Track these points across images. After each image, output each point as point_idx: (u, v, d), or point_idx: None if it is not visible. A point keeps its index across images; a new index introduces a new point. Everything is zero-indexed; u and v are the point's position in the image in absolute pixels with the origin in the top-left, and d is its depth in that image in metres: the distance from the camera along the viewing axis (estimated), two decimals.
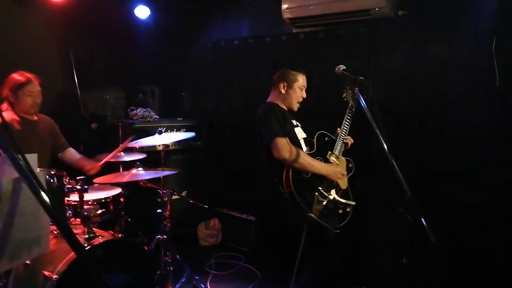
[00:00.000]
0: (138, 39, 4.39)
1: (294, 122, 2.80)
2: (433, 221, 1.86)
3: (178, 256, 3.23)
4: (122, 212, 3.53)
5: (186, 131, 4.18)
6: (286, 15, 3.47)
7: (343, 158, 2.74)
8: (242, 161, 4.19)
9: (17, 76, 2.91)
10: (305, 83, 2.80)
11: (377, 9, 2.96)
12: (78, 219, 2.47)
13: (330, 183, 2.60)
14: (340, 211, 2.56)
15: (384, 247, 3.04)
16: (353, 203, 2.63)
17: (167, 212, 2.94)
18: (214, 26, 4.40)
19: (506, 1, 2.73)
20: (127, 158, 3.41)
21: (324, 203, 2.48)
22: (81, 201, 2.38)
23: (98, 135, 4.09)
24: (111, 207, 2.93)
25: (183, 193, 4.22)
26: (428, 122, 3.02)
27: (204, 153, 4.39)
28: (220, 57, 4.27)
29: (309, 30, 3.58)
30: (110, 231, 2.56)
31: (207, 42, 4.37)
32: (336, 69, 2.41)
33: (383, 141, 2.08)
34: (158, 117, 4.06)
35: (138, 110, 3.92)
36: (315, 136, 2.74)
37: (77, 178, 2.38)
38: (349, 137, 2.81)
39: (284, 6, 3.46)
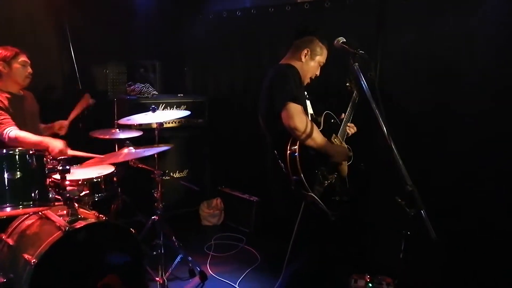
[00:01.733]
0: (137, 10, 4.20)
1: (306, 94, 2.57)
2: (438, 210, 1.67)
3: (174, 237, 3.16)
4: (119, 191, 3.46)
5: (186, 108, 4.04)
6: None
7: (345, 145, 2.54)
8: (245, 140, 4.04)
9: (4, 50, 2.80)
10: (324, 60, 2.54)
11: None
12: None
13: (333, 166, 2.40)
14: (338, 198, 2.38)
15: (384, 238, 2.86)
16: (348, 195, 2.44)
17: (158, 193, 2.83)
18: None
19: None
20: (123, 135, 3.30)
21: (326, 185, 2.30)
22: (63, 182, 2.28)
23: (97, 111, 3.97)
24: (102, 186, 2.83)
25: (184, 172, 4.12)
26: (444, 104, 2.76)
27: (206, 131, 4.25)
28: (222, 30, 4.06)
29: None
30: (96, 213, 2.47)
31: (209, 13, 4.14)
32: (335, 42, 2.17)
33: (382, 123, 1.88)
34: (156, 93, 3.92)
35: (136, 86, 3.78)
36: (323, 115, 2.52)
37: (58, 158, 2.27)
38: (352, 124, 2.62)
39: None
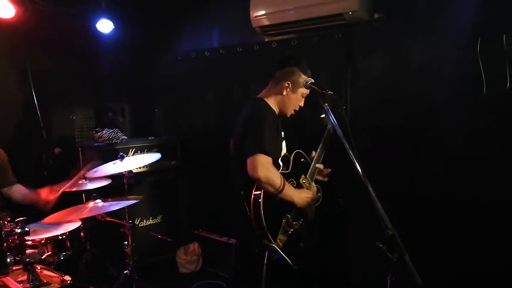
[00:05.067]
0: (103, 54, 4.11)
1: (282, 133, 2.46)
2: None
3: None
4: (88, 246, 3.25)
5: (158, 150, 3.92)
6: (256, 23, 3.23)
7: (314, 185, 2.44)
8: (221, 179, 3.91)
9: None
10: (308, 91, 2.38)
11: (350, 13, 2.71)
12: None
13: (299, 211, 2.29)
14: (302, 245, 2.25)
15: (368, 283, 2.77)
16: (314, 240, 2.34)
17: (129, 247, 2.66)
18: (183, 38, 4.16)
19: None
20: (91, 186, 3.12)
21: (290, 232, 2.19)
22: (22, 246, 2.09)
23: (63, 160, 3.80)
24: (68, 244, 2.64)
25: (158, 218, 3.94)
26: (411, 135, 2.77)
27: (179, 173, 4.11)
28: (191, 70, 4.03)
29: (281, 38, 3.34)
30: (62, 275, 2.27)
31: (178, 55, 4.12)
32: (304, 82, 2.15)
33: (357, 164, 1.83)
34: (126, 137, 3.78)
35: (104, 132, 3.63)
36: (292, 155, 2.42)
37: (16, 220, 2.10)
38: (321, 166, 2.49)
39: (253, 14, 3.22)
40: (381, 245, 1.64)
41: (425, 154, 2.74)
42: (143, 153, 3.80)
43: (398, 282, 1.73)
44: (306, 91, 2.37)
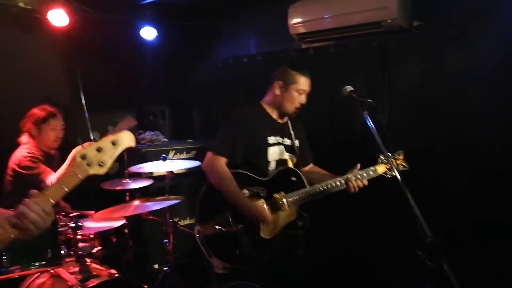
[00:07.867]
0: (146, 60, 4.33)
1: (272, 139, 2.43)
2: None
3: None
4: (130, 243, 3.42)
5: (196, 153, 4.05)
6: (294, 31, 3.29)
7: (295, 210, 2.34)
8: None
9: (39, 111, 2.94)
10: (305, 87, 2.38)
11: (389, 21, 2.72)
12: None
13: (244, 219, 2.22)
14: (238, 253, 2.25)
15: None
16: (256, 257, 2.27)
17: (170, 245, 2.78)
18: (222, 44, 4.28)
19: None
20: (134, 185, 3.29)
21: (221, 228, 2.19)
22: (75, 240, 2.26)
23: None
24: (114, 239, 2.81)
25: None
26: (451, 145, 2.74)
27: None
28: (229, 75, 4.13)
29: (318, 45, 3.38)
30: (108, 268, 2.42)
31: (217, 61, 4.25)
32: (343, 90, 2.19)
33: (395, 170, 1.86)
34: (166, 140, 3.95)
35: (146, 134, 3.82)
36: (281, 169, 2.38)
37: (70, 215, 2.27)
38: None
39: (292, 21, 3.28)
40: (420, 253, 1.65)
41: (465, 162, 2.70)
42: (182, 155, 3.95)
43: None
44: (301, 87, 2.37)
